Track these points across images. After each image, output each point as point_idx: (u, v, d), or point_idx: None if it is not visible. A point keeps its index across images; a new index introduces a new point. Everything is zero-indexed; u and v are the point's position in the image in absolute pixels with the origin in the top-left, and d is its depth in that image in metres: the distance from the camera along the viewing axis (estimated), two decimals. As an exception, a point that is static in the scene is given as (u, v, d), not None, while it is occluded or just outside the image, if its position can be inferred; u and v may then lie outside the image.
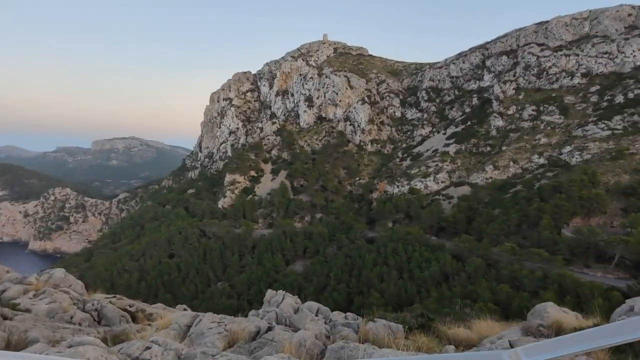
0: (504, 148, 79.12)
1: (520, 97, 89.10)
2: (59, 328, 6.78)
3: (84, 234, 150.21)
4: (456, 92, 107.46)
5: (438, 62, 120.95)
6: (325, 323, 7.21)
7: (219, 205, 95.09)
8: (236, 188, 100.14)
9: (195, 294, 61.65)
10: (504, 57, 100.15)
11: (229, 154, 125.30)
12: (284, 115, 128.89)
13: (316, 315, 7.86)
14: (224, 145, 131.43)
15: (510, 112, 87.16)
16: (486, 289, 40.03)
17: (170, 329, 5.85)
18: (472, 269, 45.81)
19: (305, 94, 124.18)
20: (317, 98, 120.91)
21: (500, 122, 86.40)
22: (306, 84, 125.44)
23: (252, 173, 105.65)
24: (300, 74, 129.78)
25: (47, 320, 7.69)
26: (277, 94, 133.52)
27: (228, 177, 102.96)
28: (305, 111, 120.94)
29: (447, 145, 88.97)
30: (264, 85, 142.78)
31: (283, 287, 52.77)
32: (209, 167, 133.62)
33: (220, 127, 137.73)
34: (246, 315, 7.13)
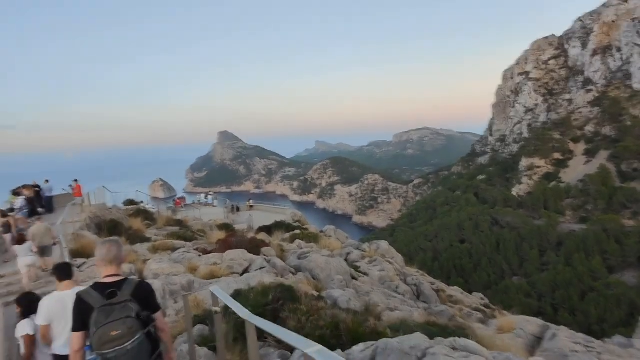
0: None
1: None
2: (390, 296, 8.46)
3: (388, 212, 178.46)
4: None
5: None
6: None
7: (514, 193, 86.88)
8: (535, 173, 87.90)
9: (487, 284, 59.69)
10: None
11: (525, 135, 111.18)
12: (605, 79, 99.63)
13: None
14: (518, 126, 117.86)
15: None
16: None
17: (515, 335, 5.59)
18: None
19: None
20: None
21: None
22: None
23: (557, 155, 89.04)
24: (634, 19, 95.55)
25: (380, 285, 9.78)
26: (593, 53, 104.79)
27: (525, 162, 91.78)
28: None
29: None
30: (574, 46, 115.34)
31: (604, 300, 42.03)
32: (500, 151, 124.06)
33: (514, 107, 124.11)
34: (606, 335, 5.61)
